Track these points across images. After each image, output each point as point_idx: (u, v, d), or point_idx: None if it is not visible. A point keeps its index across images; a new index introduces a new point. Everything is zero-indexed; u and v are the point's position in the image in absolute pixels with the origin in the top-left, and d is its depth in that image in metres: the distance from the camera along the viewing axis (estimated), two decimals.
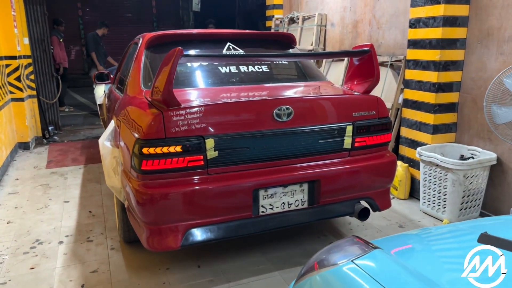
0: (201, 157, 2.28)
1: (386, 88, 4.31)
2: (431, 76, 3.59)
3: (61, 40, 8.20)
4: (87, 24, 13.20)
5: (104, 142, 2.91)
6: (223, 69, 2.92)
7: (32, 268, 2.79)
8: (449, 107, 3.64)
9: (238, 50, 3.07)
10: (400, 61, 4.20)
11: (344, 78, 3.82)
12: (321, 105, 2.56)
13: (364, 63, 2.76)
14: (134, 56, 3.13)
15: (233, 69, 2.95)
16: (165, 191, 2.24)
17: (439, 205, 3.45)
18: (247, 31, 3.62)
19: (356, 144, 2.61)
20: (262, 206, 2.46)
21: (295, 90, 2.95)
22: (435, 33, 3.50)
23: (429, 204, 3.55)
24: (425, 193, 3.57)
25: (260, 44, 3.41)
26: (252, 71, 3.00)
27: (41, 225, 3.42)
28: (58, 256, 2.94)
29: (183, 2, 14.19)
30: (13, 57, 5.41)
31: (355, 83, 2.87)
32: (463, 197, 3.31)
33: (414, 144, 3.83)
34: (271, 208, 2.49)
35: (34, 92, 6.08)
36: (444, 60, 3.51)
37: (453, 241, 1.58)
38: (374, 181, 2.72)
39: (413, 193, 3.91)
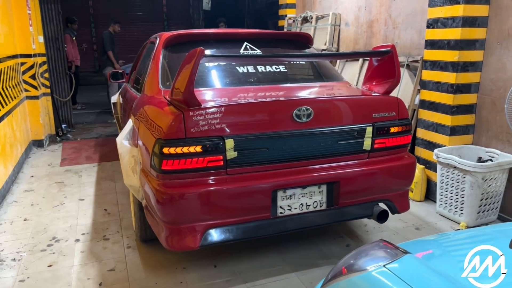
0: (221, 157, 2.28)
1: (402, 89, 4.27)
2: (449, 77, 3.55)
3: (74, 38, 8.25)
4: (98, 23, 13.28)
5: (122, 141, 2.92)
6: (241, 69, 2.91)
7: (50, 266, 2.81)
8: (467, 109, 3.59)
9: (256, 50, 3.06)
10: (416, 61, 4.16)
11: (362, 78, 3.79)
12: (341, 106, 2.54)
13: (384, 64, 2.73)
14: (152, 56, 3.13)
15: (250, 69, 2.94)
16: (184, 191, 2.24)
17: (456, 208, 3.41)
18: (264, 30, 3.61)
19: (375, 146, 2.59)
20: (281, 207, 2.45)
21: (313, 91, 2.93)
22: (454, 33, 3.46)
23: (445, 207, 3.51)
24: (442, 195, 3.53)
25: (276, 44, 3.40)
26: (269, 71, 2.99)
27: (57, 223, 3.44)
28: (75, 254, 2.96)
29: (194, 1, 14.20)
30: (28, 55, 5.46)
31: (374, 83, 2.85)
32: (481, 200, 3.27)
33: (431, 145, 3.79)
34: (290, 209, 2.47)
35: (48, 90, 6.13)
36: (463, 61, 3.46)
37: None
38: (393, 183, 2.70)
39: (429, 195, 3.87)
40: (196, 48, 2.14)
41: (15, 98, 4.82)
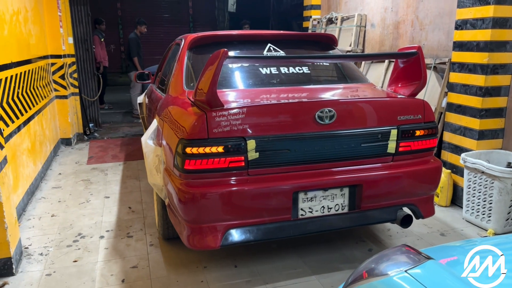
0: (242, 158, 2.29)
1: (429, 91, 4.18)
2: (477, 80, 3.45)
3: (102, 40, 8.45)
4: (126, 24, 13.56)
5: (147, 141, 2.97)
6: (264, 70, 2.91)
7: (75, 261, 2.88)
8: (497, 112, 3.49)
9: (279, 51, 3.06)
10: (444, 63, 4.07)
11: (387, 80, 3.73)
12: (364, 108, 2.51)
13: (410, 65, 2.69)
14: (177, 57, 3.18)
15: (273, 70, 2.94)
16: (206, 190, 2.26)
17: (483, 214, 3.31)
18: (287, 32, 3.60)
19: (400, 149, 2.54)
20: (302, 209, 2.44)
21: (337, 92, 2.91)
22: (484, 35, 3.37)
23: (472, 213, 3.42)
24: (468, 200, 3.44)
25: (300, 45, 3.39)
26: (292, 72, 2.98)
27: (83, 219, 3.53)
28: (99, 250, 3.02)
29: (219, 3, 14.32)
30: (58, 56, 5.62)
31: (400, 85, 2.80)
32: (510, 207, 3.17)
33: (458, 149, 3.70)
34: (311, 212, 2.46)
35: (77, 90, 6.29)
36: (493, 63, 3.37)
37: None
38: (418, 188, 2.64)
39: (455, 200, 3.77)
40: (219, 50, 2.16)
41: (45, 97, 4.98)
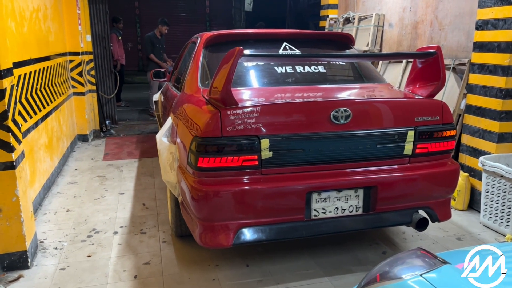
0: (256, 157, 2.27)
1: (448, 93, 4.11)
2: (498, 81, 3.37)
3: (120, 38, 8.53)
4: (143, 23, 13.69)
5: (162, 138, 2.98)
6: (279, 69, 2.90)
7: (89, 256, 2.91)
8: None
9: (295, 50, 3.04)
10: (463, 64, 3.99)
11: (405, 81, 3.67)
12: (381, 108, 2.47)
13: (428, 66, 2.63)
14: (192, 55, 3.18)
15: (289, 69, 2.92)
16: (219, 188, 2.25)
17: (502, 219, 3.23)
18: (303, 30, 3.58)
19: (417, 151, 2.49)
20: (315, 210, 2.41)
21: (353, 92, 2.87)
22: (505, 35, 3.28)
23: (490, 217, 3.34)
24: (486, 205, 3.36)
25: (316, 44, 3.35)
26: (308, 71, 2.96)
27: (97, 215, 3.57)
28: (113, 246, 3.05)
29: (236, 2, 14.34)
30: (76, 53, 5.70)
31: (418, 86, 2.75)
32: None
33: (476, 152, 3.62)
34: (324, 213, 2.43)
35: (94, 87, 6.37)
36: None
37: None
38: (435, 190, 2.59)
39: (473, 204, 3.69)
40: (235, 48, 2.15)
41: (63, 94, 5.05)
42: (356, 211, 2.48)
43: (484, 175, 3.35)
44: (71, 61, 5.66)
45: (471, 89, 3.66)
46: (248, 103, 2.35)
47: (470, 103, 3.68)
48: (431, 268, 1.22)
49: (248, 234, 2.36)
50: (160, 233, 3.24)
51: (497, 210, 3.27)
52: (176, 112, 2.90)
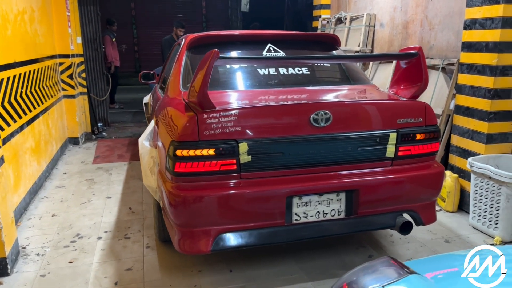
0: (234, 161, 2.23)
1: (437, 93, 4.06)
2: (486, 81, 3.33)
3: (114, 40, 8.49)
4: (139, 24, 13.64)
5: (143, 142, 2.95)
6: (262, 71, 2.85)
7: (71, 262, 2.87)
8: (506, 115, 3.36)
9: (279, 52, 2.99)
10: (452, 64, 3.95)
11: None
12: (362, 110, 2.43)
13: (411, 67, 2.59)
14: (176, 57, 3.15)
15: (272, 71, 2.87)
16: (197, 194, 2.21)
17: (490, 221, 3.19)
18: (289, 31, 3.54)
19: (400, 153, 2.45)
20: (296, 214, 2.37)
21: (335, 94, 2.83)
22: (493, 35, 3.24)
23: (479, 219, 3.29)
24: (475, 206, 3.32)
25: (302, 45, 3.31)
26: (292, 73, 2.91)
27: (83, 220, 3.53)
28: (95, 251, 3.01)
29: (232, 3, 14.29)
30: (66, 56, 5.66)
31: (402, 87, 2.71)
32: None
33: (466, 153, 3.58)
34: (305, 217, 2.39)
35: (85, 90, 6.33)
36: (502, 64, 3.24)
37: None
38: (419, 193, 2.55)
39: (463, 205, 3.65)
40: (211, 50, 2.11)
41: (52, 97, 5.01)
42: (338, 215, 2.44)
43: (472, 176, 3.31)
44: (61, 63, 5.62)
45: (460, 89, 3.62)
46: (226, 107, 2.31)
47: (459, 104, 3.63)
48: (396, 279, 1.18)
49: (227, 240, 2.32)
50: (145, 238, 3.20)
51: (485, 212, 3.22)
52: (158, 115, 2.86)
